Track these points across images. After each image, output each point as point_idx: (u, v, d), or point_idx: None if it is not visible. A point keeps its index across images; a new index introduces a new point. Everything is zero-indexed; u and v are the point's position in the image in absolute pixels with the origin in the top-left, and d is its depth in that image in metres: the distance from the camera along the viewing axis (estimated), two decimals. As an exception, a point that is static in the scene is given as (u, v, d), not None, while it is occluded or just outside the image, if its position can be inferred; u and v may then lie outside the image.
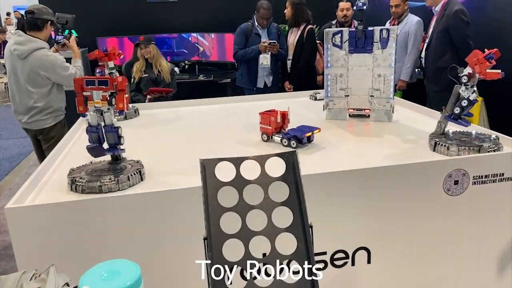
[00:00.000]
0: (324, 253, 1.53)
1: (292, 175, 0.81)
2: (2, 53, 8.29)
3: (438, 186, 1.54)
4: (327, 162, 1.71)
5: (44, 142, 3.02)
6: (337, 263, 1.55)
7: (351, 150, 1.86)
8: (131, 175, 1.50)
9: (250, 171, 0.83)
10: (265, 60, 4.02)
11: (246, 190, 0.80)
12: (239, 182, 0.79)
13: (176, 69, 4.71)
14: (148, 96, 3.81)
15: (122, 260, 0.71)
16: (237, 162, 0.79)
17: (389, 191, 1.53)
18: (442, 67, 3.51)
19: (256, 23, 4.05)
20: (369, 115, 2.28)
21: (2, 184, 4.11)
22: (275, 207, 0.80)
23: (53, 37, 3.02)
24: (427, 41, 3.77)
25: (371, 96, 2.25)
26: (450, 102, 1.72)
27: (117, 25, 4.89)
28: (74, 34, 3.20)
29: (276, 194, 0.82)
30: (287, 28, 4.41)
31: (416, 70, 4.03)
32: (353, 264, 1.57)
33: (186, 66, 5.19)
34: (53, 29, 2.98)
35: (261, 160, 0.81)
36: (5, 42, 8.48)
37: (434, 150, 1.72)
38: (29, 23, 2.90)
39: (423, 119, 2.26)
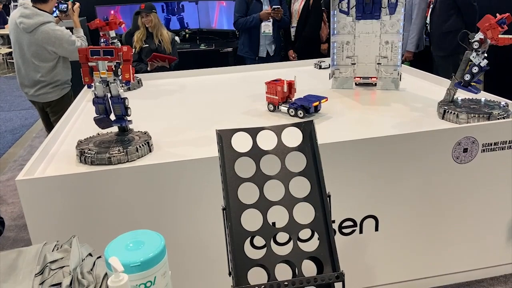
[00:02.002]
0: (333, 221, 1.55)
1: (309, 145, 0.80)
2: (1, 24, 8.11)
3: (447, 154, 1.54)
4: (334, 132, 1.70)
5: (52, 114, 3.02)
6: (345, 231, 1.57)
7: (359, 119, 1.85)
8: (140, 146, 1.50)
9: (267, 141, 0.82)
10: (267, 28, 3.92)
11: (263, 161, 0.79)
12: (256, 153, 0.78)
13: (177, 38, 4.62)
14: (151, 63, 3.75)
15: (146, 230, 0.71)
16: (253, 132, 0.78)
17: (397, 160, 1.53)
18: (447, 31, 3.46)
19: (258, -11, 3.93)
20: (376, 84, 2.25)
21: (6, 157, 4.11)
22: (292, 177, 0.80)
23: (56, 5, 2.94)
24: (431, 6, 3.68)
25: (378, 64, 2.21)
26: (460, 69, 1.69)
27: (115, -7, 4.76)
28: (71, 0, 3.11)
29: (293, 164, 0.82)
30: (289, -6, 4.29)
31: (424, 37, 3.95)
32: (361, 232, 1.59)
33: (187, 35, 5.08)
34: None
35: (278, 130, 0.80)
36: (1, 12, 8.28)
37: (443, 118, 1.71)
38: None
39: (430, 87, 2.24)
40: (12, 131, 4.87)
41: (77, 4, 3.00)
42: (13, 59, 3.28)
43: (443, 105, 1.74)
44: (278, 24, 4.00)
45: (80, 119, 1.97)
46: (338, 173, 1.49)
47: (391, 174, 1.54)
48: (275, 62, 3.41)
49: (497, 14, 1.61)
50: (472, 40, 1.63)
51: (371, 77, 2.26)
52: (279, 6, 3.85)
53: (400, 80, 2.21)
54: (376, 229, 1.60)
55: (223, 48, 4.78)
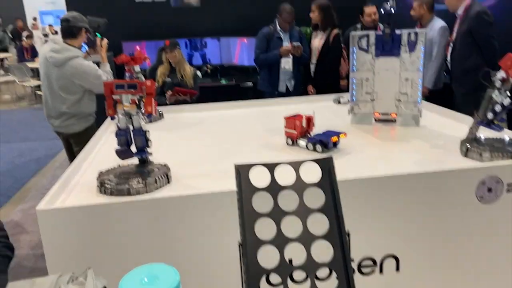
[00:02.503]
0: (351, 260, 1.50)
1: (328, 181, 0.79)
2: (29, 57, 8.49)
3: (471, 193, 1.50)
4: (353, 168, 1.68)
5: (75, 145, 3.10)
6: (365, 270, 1.53)
7: (378, 156, 1.83)
8: (159, 178, 1.51)
9: (285, 176, 0.82)
10: (287, 64, 4.00)
11: (281, 196, 0.79)
12: (274, 188, 0.78)
13: (199, 73, 4.73)
14: (172, 96, 3.84)
15: (161, 264, 0.70)
16: (271, 167, 0.78)
17: (418, 198, 1.49)
18: (468, 69, 3.46)
19: (278, 27, 4.04)
20: (395, 120, 2.24)
21: (29, 185, 4.21)
22: (311, 214, 0.79)
23: (86, 40, 3.06)
24: (451, 44, 3.70)
25: (398, 100, 2.21)
26: (483, 107, 1.67)
27: (141, 30, 4.96)
28: (99, 37, 3.25)
29: (312, 200, 0.81)
30: (308, 31, 4.38)
31: (444, 73, 3.94)
32: (381, 272, 1.53)
33: (209, 70, 5.22)
34: (86, 36, 3.04)
35: (296, 165, 0.80)
36: (32, 46, 8.69)
37: (465, 156, 1.68)
38: (65, 30, 2.98)
39: (451, 124, 2.21)
40: (37, 161, 5.00)
41: (105, 40, 3.12)
42: (41, 91, 3.40)
43: (465, 143, 1.71)
44: (297, 60, 4.06)
45: (102, 150, 2.01)
46: (356, 210, 1.46)
47: (412, 212, 1.50)
48: (294, 97, 3.44)
49: (519, 53, 1.60)
50: (494, 79, 1.62)
51: (390, 113, 2.25)
52: (299, 43, 3.93)
53: (420, 116, 2.19)
54: (397, 269, 1.54)
55: (243, 83, 4.88)
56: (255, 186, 0.77)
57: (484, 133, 1.78)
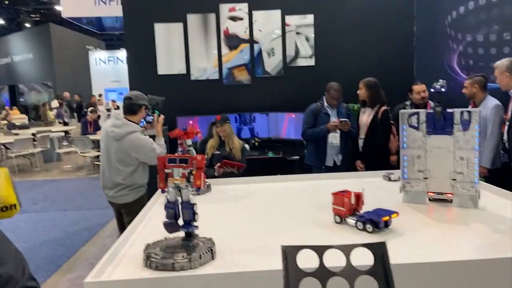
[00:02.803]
0: None
1: (381, 269, 0.75)
2: (92, 130, 9.14)
3: (542, 286, 1.34)
4: (407, 251, 1.58)
5: (125, 215, 3.21)
6: None
7: (434, 239, 1.72)
8: (203, 253, 1.49)
9: (334, 260, 0.78)
10: (334, 139, 4.02)
11: (331, 283, 0.74)
12: (323, 273, 0.74)
13: (247, 146, 4.84)
14: (220, 169, 3.92)
15: None
16: (320, 250, 0.75)
17: (479, 287, 1.36)
18: None
19: (326, 103, 4.12)
20: (451, 200, 2.13)
21: (79, 255, 4.30)
22: (362, 304, 0.73)
23: (144, 117, 3.29)
24: (506, 122, 3.58)
25: (453, 179, 2.11)
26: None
27: (195, 106, 5.25)
28: (157, 113, 3.48)
29: (363, 289, 0.76)
30: (356, 107, 4.44)
31: (502, 153, 3.77)
32: None
33: (256, 143, 5.33)
34: (146, 113, 3.28)
35: (347, 250, 0.76)
36: (95, 120, 9.38)
37: (532, 243, 1.54)
38: (127, 107, 3.23)
39: (513, 206, 2.06)
40: (88, 229, 5.15)
41: (162, 116, 3.34)
42: (99, 162, 3.60)
43: (531, 228, 1.57)
44: (345, 135, 4.08)
45: (151, 222, 2.05)
46: (412, 298, 1.35)
47: (476, 304, 1.36)
48: (341, 172, 3.40)
49: None
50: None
51: (446, 193, 2.14)
52: (346, 120, 3.97)
53: (479, 198, 2.07)
54: None
55: (290, 156, 4.91)
56: (303, 271, 0.73)
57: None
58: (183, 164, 1.55)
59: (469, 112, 2.06)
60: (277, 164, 4.81)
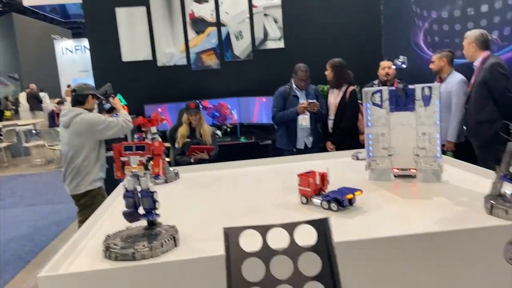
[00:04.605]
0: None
1: (324, 245, 0.73)
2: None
3: (499, 254, 1.37)
4: (370, 227, 1.60)
5: (78, 207, 3.21)
6: None
7: (397, 214, 1.73)
8: (165, 241, 1.46)
9: (278, 240, 0.76)
10: (304, 121, 4.02)
11: (274, 262, 0.73)
12: (266, 253, 0.72)
13: (218, 132, 4.80)
14: (189, 155, 3.88)
15: None
16: (263, 230, 0.73)
17: (441, 260, 1.38)
18: (483, 120, 3.40)
19: (294, 86, 4.11)
20: (415, 175, 2.15)
21: (48, 249, 4.21)
22: (306, 282, 0.72)
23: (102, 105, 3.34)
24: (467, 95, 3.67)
25: (416, 155, 2.13)
26: (504, 161, 1.59)
27: (163, 93, 5.15)
28: (123, 103, 3.43)
29: (307, 267, 0.74)
30: (325, 88, 4.44)
31: (464, 127, 3.86)
32: None
33: (228, 129, 5.29)
34: (97, 102, 3.34)
35: (290, 227, 0.75)
36: (63, 112, 9.10)
37: (491, 214, 1.57)
38: (73, 99, 3.35)
39: (475, 179, 2.10)
40: (58, 223, 5.04)
41: (117, 97, 3.37)
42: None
43: (490, 200, 1.60)
44: (315, 117, 4.08)
45: (114, 213, 2.00)
46: (373, 272, 1.36)
47: (434, 275, 1.39)
48: (313, 153, 3.40)
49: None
50: (514, 131, 1.55)
51: (410, 169, 2.17)
52: (315, 101, 3.97)
53: (441, 172, 2.10)
54: None
55: (262, 140, 4.90)
56: (245, 251, 0.71)
57: (509, 188, 1.67)
58: (140, 152, 1.50)
59: (429, 87, 2.07)
60: (249, 149, 4.79)
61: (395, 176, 2.21)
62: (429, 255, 1.38)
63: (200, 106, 4.10)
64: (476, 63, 3.54)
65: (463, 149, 3.77)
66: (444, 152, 3.64)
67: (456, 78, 3.82)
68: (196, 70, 5.32)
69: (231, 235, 0.72)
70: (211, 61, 5.34)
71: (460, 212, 1.68)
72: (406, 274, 1.38)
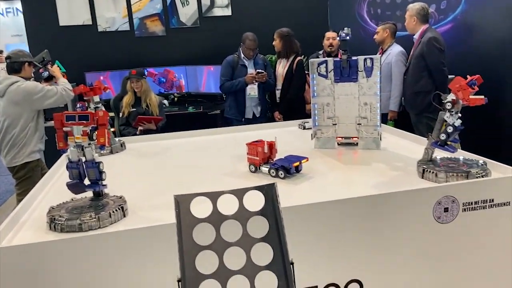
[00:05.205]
0: (315, 287, 1.47)
1: (271, 209, 0.78)
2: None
3: (428, 214, 1.51)
4: (315, 192, 1.68)
5: (15, 180, 3.09)
6: (329, 297, 1.50)
7: (340, 179, 1.83)
8: (113, 212, 1.45)
9: (228, 205, 0.79)
10: (252, 90, 4.04)
11: (224, 226, 0.76)
12: (216, 218, 0.75)
13: (165, 101, 4.70)
14: (139, 128, 3.79)
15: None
16: (213, 196, 0.76)
17: (378, 220, 1.49)
18: (418, 91, 3.62)
19: (242, 55, 4.09)
20: (357, 143, 2.27)
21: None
22: (254, 244, 0.76)
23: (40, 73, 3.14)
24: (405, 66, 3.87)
25: (358, 124, 2.24)
26: (436, 128, 1.71)
27: (105, 60, 4.92)
28: (62, 70, 3.25)
29: (255, 230, 0.78)
30: (273, 58, 4.47)
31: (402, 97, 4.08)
32: (345, 297, 1.51)
33: (175, 99, 5.20)
34: (34, 69, 3.16)
35: (239, 193, 0.78)
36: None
37: (422, 177, 1.70)
38: (8, 67, 3.16)
39: (411, 146, 2.26)
40: (-4, 197, 4.77)
41: (55, 65, 3.22)
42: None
43: (422, 164, 1.74)
44: (263, 86, 4.11)
45: (57, 185, 1.94)
46: (319, 235, 1.44)
47: (373, 235, 1.50)
48: (261, 123, 3.46)
49: (468, 76, 1.66)
50: (445, 101, 1.67)
51: (352, 137, 2.28)
52: (263, 71, 3.98)
53: (380, 139, 2.23)
54: (362, 294, 1.52)
55: (211, 110, 4.88)
56: (195, 217, 0.74)
57: (440, 154, 1.82)
58: (84, 121, 1.46)
59: (371, 59, 2.16)
60: (198, 119, 4.76)
61: (338, 144, 2.32)
62: (369, 216, 1.48)
63: (145, 73, 3.97)
64: (416, 36, 3.72)
65: (401, 118, 4.00)
66: (386, 121, 3.85)
67: (395, 49, 3.99)
68: (140, 37, 5.12)
69: (182, 202, 0.74)
70: (156, 27, 5.15)
71: (396, 176, 1.81)
72: (348, 234, 1.48)
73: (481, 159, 1.76)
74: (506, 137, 3.78)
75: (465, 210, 1.52)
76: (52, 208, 1.50)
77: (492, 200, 1.54)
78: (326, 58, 2.31)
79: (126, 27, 5.04)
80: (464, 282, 1.60)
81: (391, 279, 1.54)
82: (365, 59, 2.17)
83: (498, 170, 1.70)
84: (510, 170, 1.65)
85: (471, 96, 1.62)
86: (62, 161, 2.23)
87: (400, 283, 1.55)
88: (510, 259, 1.61)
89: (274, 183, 0.82)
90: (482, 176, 1.59)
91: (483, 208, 1.53)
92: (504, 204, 1.55)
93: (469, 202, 1.52)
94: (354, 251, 1.49)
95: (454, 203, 1.51)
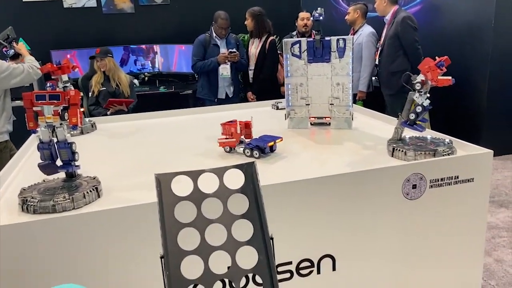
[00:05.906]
0: (290, 262, 1.52)
1: (251, 186, 0.79)
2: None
3: (398, 190, 1.57)
4: (289, 171, 1.71)
5: None
6: (303, 272, 1.55)
7: (313, 158, 1.87)
8: (87, 193, 1.43)
9: (209, 184, 0.81)
10: (225, 70, 4.01)
11: (205, 204, 0.77)
12: (197, 196, 0.76)
13: (136, 81, 4.60)
14: (110, 109, 3.72)
15: (70, 284, 0.66)
16: (194, 175, 0.77)
17: (350, 197, 1.55)
18: (394, 71, 3.70)
19: (214, 34, 4.04)
20: (330, 123, 2.31)
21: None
22: (235, 220, 0.78)
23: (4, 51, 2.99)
24: (379, 48, 3.93)
25: (331, 104, 2.28)
26: (405, 108, 1.77)
27: (72, 38, 4.75)
28: (27, 48, 3.13)
29: (236, 207, 0.80)
30: (246, 38, 4.44)
31: (373, 78, 4.15)
32: (318, 272, 1.57)
33: (146, 78, 5.10)
34: None
35: (219, 172, 0.79)
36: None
37: (392, 156, 1.76)
38: None
39: (381, 126, 2.32)
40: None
41: (21, 42, 3.09)
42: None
43: (392, 143, 1.80)
44: (236, 66, 4.09)
45: (27, 165, 1.89)
46: (293, 212, 1.48)
47: (345, 212, 1.55)
48: (234, 103, 3.45)
49: (436, 57, 1.72)
50: (414, 82, 1.72)
51: (325, 117, 2.32)
52: (235, 50, 3.96)
53: (352, 119, 2.28)
54: (334, 269, 1.58)
55: (182, 90, 4.82)
56: (177, 196, 0.75)
57: (409, 133, 1.88)
58: (54, 101, 1.42)
59: (344, 39, 2.18)
60: (169, 99, 4.69)
61: (311, 124, 2.35)
62: (341, 194, 1.53)
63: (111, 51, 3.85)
64: (388, 17, 3.77)
65: (370, 99, 4.08)
66: (355, 102, 3.92)
67: (366, 30, 4.05)
68: (107, 14, 4.95)
69: (163, 181, 0.75)
70: (124, 4, 4.99)
71: (367, 155, 1.87)
72: (321, 211, 1.52)
73: (447, 138, 1.84)
74: (470, 116, 3.94)
75: (432, 186, 1.59)
76: (24, 189, 1.47)
77: (457, 177, 1.62)
78: (300, 39, 2.31)
79: (93, 3, 4.86)
80: (431, 255, 1.69)
81: (362, 253, 1.60)
82: (337, 40, 2.19)
83: (463, 148, 1.78)
84: (474, 148, 1.73)
85: (439, 77, 1.68)
86: (31, 142, 2.17)
87: (371, 257, 1.62)
88: (474, 233, 1.71)
89: (253, 162, 0.83)
90: (448, 154, 1.67)
91: (449, 185, 1.61)
92: (468, 180, 1.64)
93: (436, 179, 1.59)
94: (327, 227, 1.54)
95: (422, 180, 1.58)
